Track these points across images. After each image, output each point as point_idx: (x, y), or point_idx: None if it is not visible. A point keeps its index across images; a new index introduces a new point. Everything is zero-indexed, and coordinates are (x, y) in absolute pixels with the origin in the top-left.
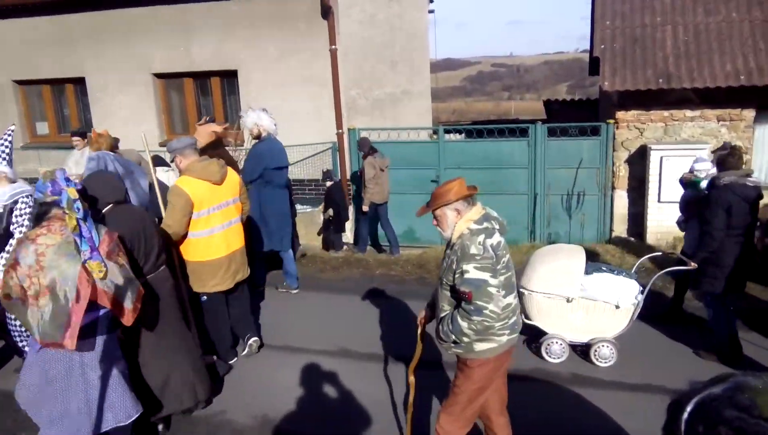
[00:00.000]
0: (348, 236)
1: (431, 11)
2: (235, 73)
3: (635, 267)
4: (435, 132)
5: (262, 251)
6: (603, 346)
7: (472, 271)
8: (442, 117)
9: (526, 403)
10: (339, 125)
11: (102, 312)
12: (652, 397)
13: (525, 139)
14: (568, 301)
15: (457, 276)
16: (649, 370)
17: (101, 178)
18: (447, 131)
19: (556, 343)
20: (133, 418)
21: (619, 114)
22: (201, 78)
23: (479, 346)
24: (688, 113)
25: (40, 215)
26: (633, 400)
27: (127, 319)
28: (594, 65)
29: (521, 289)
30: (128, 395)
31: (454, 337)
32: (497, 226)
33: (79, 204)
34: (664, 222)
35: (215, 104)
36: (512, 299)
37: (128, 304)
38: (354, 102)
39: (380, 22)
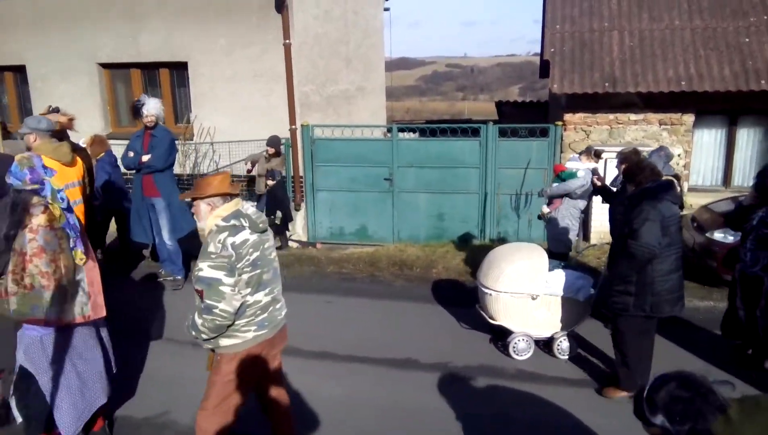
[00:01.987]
0: (300, 233)
1: (386, 9)
2: (185, 65)
3: (573, 260)
4: (389, 130)
5: (170, 240)
6: (564, 339)
7: (205, 269)
8: (397, 116)
9: (487, 400)
10: (292, 121)
11: None
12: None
13: (477, 139)
14: (533, 298)
15: (195, 272)
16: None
17: None
18: (401, 130)
19: (523, 340)
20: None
21: (567, 116)
22: (149, 69)
23: (223, 341)
24: (632, 117)
25: (16, 203)
26: (594, 395)
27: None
28: (544, 68)
29: (486, 291)
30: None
31: (193, 332)
32: (247, 224)
33: (63, 194)
34: (606, 222)
35: (164, 97)
36: (262, 297)
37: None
38: (307, 98)
39: (335, 18)
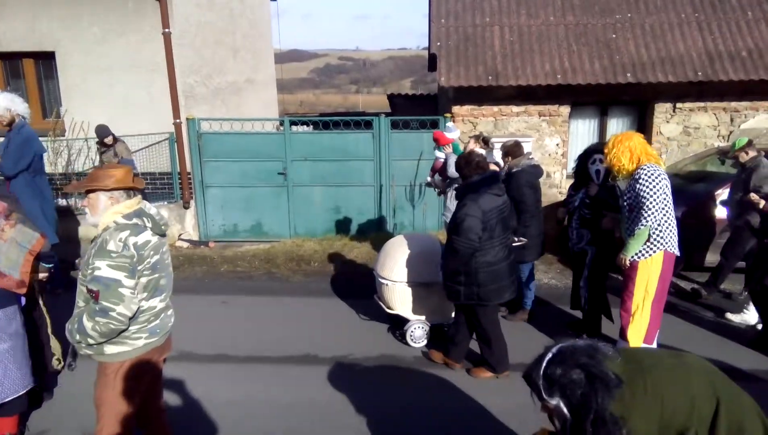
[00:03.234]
0: (190, 232)
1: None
2: (52, 54)
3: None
4: (281, 123)
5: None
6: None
7: (104, 269)
8: (290, 108)
9: (388, 389)
10: (176, 115)
11: None
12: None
13: (370, 131)
14: (427, 286)
15: (88, 272)
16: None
17: None
18: (293, 123)
19: (420, 328)
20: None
21: (455, 108)
22: (11, 59)
23: (110, 349)
24: (515, 109)
25: None
26: (496, 379)
27: (21, 289)
28: (432, 62)
29: (383, 281)
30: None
31: (78, 336)
32: (149, 225)
33: None
34: None
35: (29, 89)
36: (158, 302)
37: (15, 274)
38: (192, 90)
39: (219, 7)
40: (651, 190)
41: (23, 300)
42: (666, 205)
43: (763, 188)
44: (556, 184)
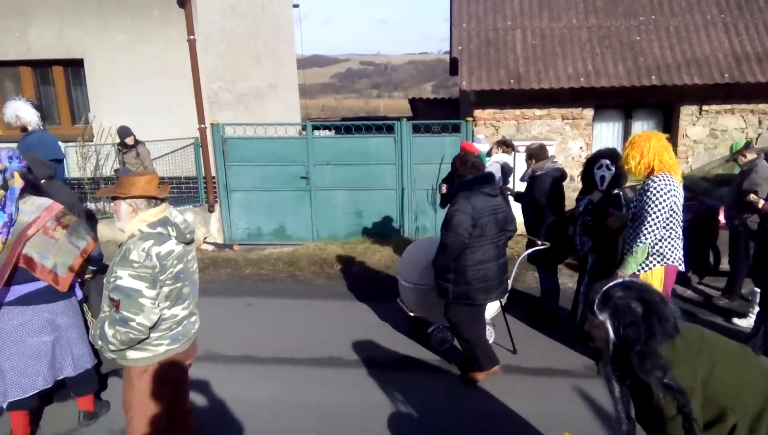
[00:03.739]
0: (215, 236)
1: (295, 5)
2: (80, 62)
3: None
4: (304, 128)
5: None
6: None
7: (125, 278)
8: (312, 113)
9: (411, 393)
10: (201, 120)
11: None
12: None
13: (392, 135)
14: None
15: (111, 280)
16: (548, 352)
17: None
18: (316, 127)
19: (442, 331)
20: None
21: (477, 112)
22: (41, 67)
23: (132, 354)
24: (537, 112)
25: None
26: (533, 383)
27: (62, 287)
28: (454, 65)
29: (406, 284)
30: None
31: (100, 342)
32: (174, 234)
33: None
34: (518, 213)
35: (58, 96)
36: (180, 310)
37: (62, 271)
38: (216, 96)
39: (243, 13)
40: (656, 204)
41: (79, 295)
42: (671, 220)
43: (760, 192)
44: (579, 188)
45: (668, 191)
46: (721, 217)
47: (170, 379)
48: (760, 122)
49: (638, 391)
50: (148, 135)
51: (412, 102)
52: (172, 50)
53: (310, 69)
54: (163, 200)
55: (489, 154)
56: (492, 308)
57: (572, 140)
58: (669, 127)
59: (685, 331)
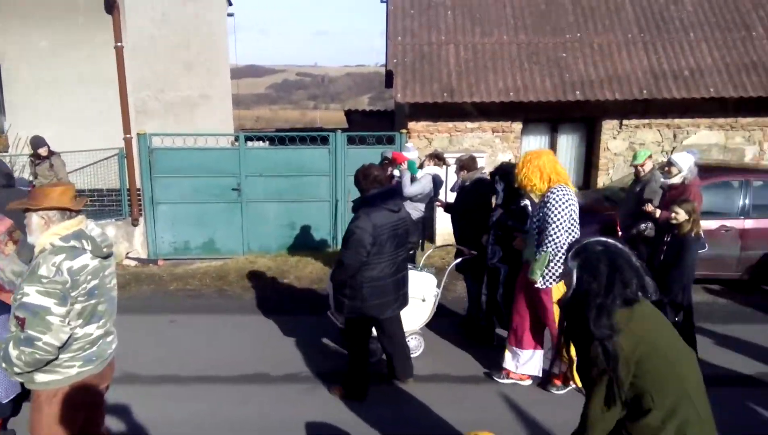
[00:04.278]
0: (138, 250)
1: (230, 15)
2: None
3: (422, 261)
4: (236, 138)
5: None
6: (412, 338)
7: (32, 295)
8: (247, 124)
9: (339, 406)
10: (126, 129)
11: None
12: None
13: (326, 147)
14: None
15: (18, 297)
16: (457, 360)
17: None
18: (248, 138)
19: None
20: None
21: (411, 124)
22: None
23: (40, 377)
24: (469, 125)
25: None
26: (453, 390)
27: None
28: (389, 78)
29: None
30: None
31: (4, 364)
32: (89, 248)
33: None
34: (449, 226)
35: None
36: (94, 329)
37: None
38: (144, 105)
39: (173, 21)
40: (557, 214)
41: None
42: (571, 229)
43: (654, 201)
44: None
45: (567, 200)
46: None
47: (83, 403)
48: (675, 136)
49: (581, 343)
50: (72, 145)
51: (348, 114)
52: (98, 57)
53: (245, 79)
54: (78, 212)
55: (421, 166)
56: (422, 318)
57: (502, 153)
58: (592, 140)
59: (645, 307)
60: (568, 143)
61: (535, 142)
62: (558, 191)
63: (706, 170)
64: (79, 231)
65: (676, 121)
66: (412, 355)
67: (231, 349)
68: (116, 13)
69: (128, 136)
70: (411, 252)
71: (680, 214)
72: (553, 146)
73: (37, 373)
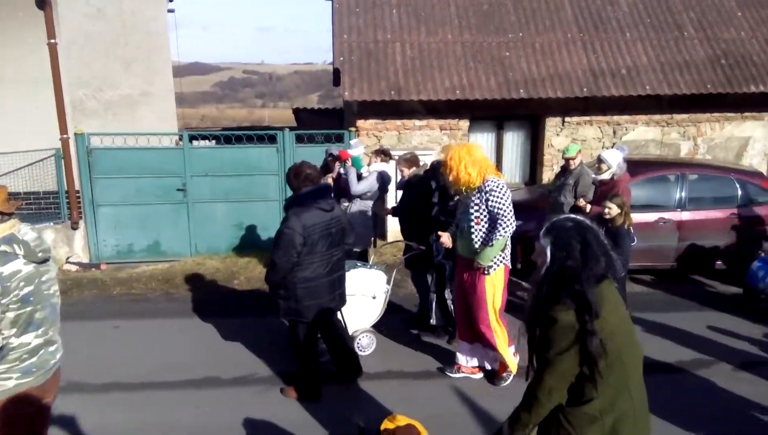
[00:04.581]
0: (80, 255)
1: (171, 11)
2: None
3: (372, 259)
4: (180, 138)
5: None
6: (363, 336)
7: None
8: (192, 123)
9: (293, 406)
10: (63, 129)
11: None
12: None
13: (274, 145)
14: None
15: None
16: (408, 357)
17: None
18: (193, 137)
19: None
20: None
21: (360, 123)
22: None
23: None
24: (417, 123)
25: None
26: (405, 386)
27: None
28: (337, 76)
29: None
30: None
31: None
32: (21, 252)
33: None
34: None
35: None
36: (32, 338)
37: None
38: (82, 103)
39: (110, 17)
40: (505, 201)
41: None
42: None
43: (588, 195)
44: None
45: (506, 189)
46: None
47: (22, 417)
48: (614, 132)
49: (544, 322)
50: (6, 146)
51: (297, 112)
52: (30, 54)
53: (189, 77)
54: (10, 216)
55: (370, 163)
56: (373, 315)
57: None
58: (536, 137)
59: (610, 286)
60: (514, 140)
61: (483, 139)
62: (496, 181)
63: (644, 165)
64: (10, 235)
65: (615, 117)
66: (363, 353)
67: (179, 354)
68: (48, 9)
69: (65, 136)
70: (358, 250)
71: (613, 209)
72: (499, 143)
73: None
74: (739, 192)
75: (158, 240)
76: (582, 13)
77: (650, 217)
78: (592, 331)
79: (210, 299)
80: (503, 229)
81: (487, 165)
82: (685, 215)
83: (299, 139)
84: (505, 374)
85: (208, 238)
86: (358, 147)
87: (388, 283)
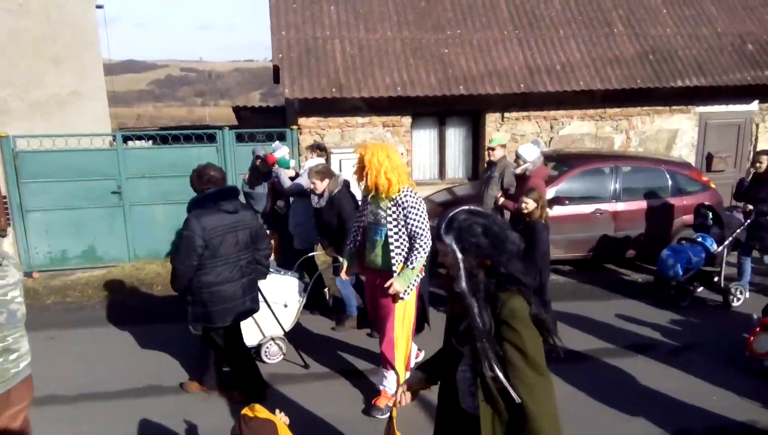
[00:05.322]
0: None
1: (99, 6)
2: None
3: (296, 265)
4: (114, 138)
5: None
6: (272, 344)
7: None
8: (128, 123)
9: (231, 411)
10: None
11: None
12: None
13: (214, 145)
14: None
15: None
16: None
17: None
18: (128, 138)
19: (274, 344)
20: None
21: (302, 120)
22: None
23: None
24: (360, 120)
25: None
26: (320, 387)
27: None
28: (277, 74)
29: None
30: None
31: None
32: None
33: None
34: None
35: None
36: None
37: None
38: (6, 104)
39: (35, 12)
40: (424, 220)
41: None
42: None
43: (512, 188)
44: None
45: (423, 203)
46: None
47: None
48: (551, 127)
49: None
50: None
51: (237, 110)
52: None
53: (123, 75)
54: None
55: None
56: (285, 323)
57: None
58: (477, 132)
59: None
60: (456, 136)
61: (425, 135)
62: (413, 194)
63: (580, 158)
64: None
65: (552, 112)
66: (271, 361)
67: (119, 363)
68: None
69: None
70: (301, 248)
71: (529, 204)
72: (441, 139)
73: None
74: (670, 182)
75: (94, 245)
76: (517, 10)
77: (587, 208)
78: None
79: (150, 305)
80: (423, 250)
81: (404, 172)
82: (620, 206)
83: (240, 138)
84: (383, 406)
85: (148, 242)
86: (281, 148)
87: (303, 292)
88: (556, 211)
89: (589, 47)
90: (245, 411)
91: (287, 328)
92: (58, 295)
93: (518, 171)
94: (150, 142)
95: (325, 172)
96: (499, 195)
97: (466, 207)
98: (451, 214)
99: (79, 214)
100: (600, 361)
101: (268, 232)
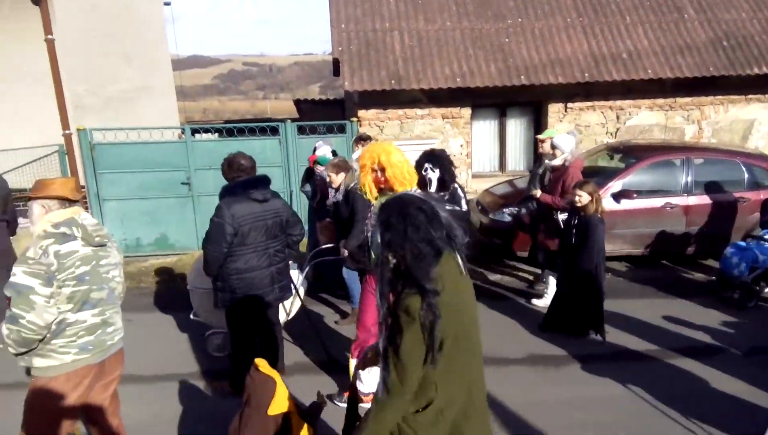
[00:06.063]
0: None
1: (167, 3)
2: None
3: (309, 261)
4: (183, 131)
5: None
6: (216, 336)
7: (19, 275)
8: (194, 116)
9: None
10: (65, 125)
11: None
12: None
13: (277, 137)
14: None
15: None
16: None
17: None
18: (195, 130)
19: (218, 337)
20: None
21: (361, 112)
22: None
23: (38, 362)
24: (419, 112)
25: None
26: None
27: None
28: (336, 67)
29: (187, 287)
30: None
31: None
32: (79, 235)
33: None
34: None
35: None
36: (88, 317)
37: None
38: (81, 99)
39: (105, 12)
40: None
41: None
42: None
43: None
44: (462, 185)
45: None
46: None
47: (78, 394)
48: (618, 117)
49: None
50: (7, 143)
51: (298, 103)
52: (27, 51)
53: (189, 70)
54: (74, 202)
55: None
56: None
57: (453, 138)
58: (539, 123)
59: (450, 261)
60: (517, 127)
61: (485, 126)
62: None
63: (648, 150)
64: (71, 219)
65: (618, 102)
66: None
67: (189, 346)
68: (44, 4)
69: (67, 132)
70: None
71: (583, 196)
72: (502, 130)
73: (34, 357)
74: (746, 175)
75: (166, 233)
76: None
77: (657, 202)
78: (433, 314)
79: None
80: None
81: (402, 175)
82: (692, 200)
83: (301, 130)
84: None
85: None
86: (322, 147)
87: (305, 278)
88: (624, 204)
89: (657, 34)
90: (256, 361)
91: (287, 318)
92: (133, 281)
93: (555, 162)
94: (216, 134)
95: (341, 166)
96: (535, 191)
97: (406, 193)
98: (386, 200)
99: (151, 204)
100: (662, 361)
101: (327, 220)
